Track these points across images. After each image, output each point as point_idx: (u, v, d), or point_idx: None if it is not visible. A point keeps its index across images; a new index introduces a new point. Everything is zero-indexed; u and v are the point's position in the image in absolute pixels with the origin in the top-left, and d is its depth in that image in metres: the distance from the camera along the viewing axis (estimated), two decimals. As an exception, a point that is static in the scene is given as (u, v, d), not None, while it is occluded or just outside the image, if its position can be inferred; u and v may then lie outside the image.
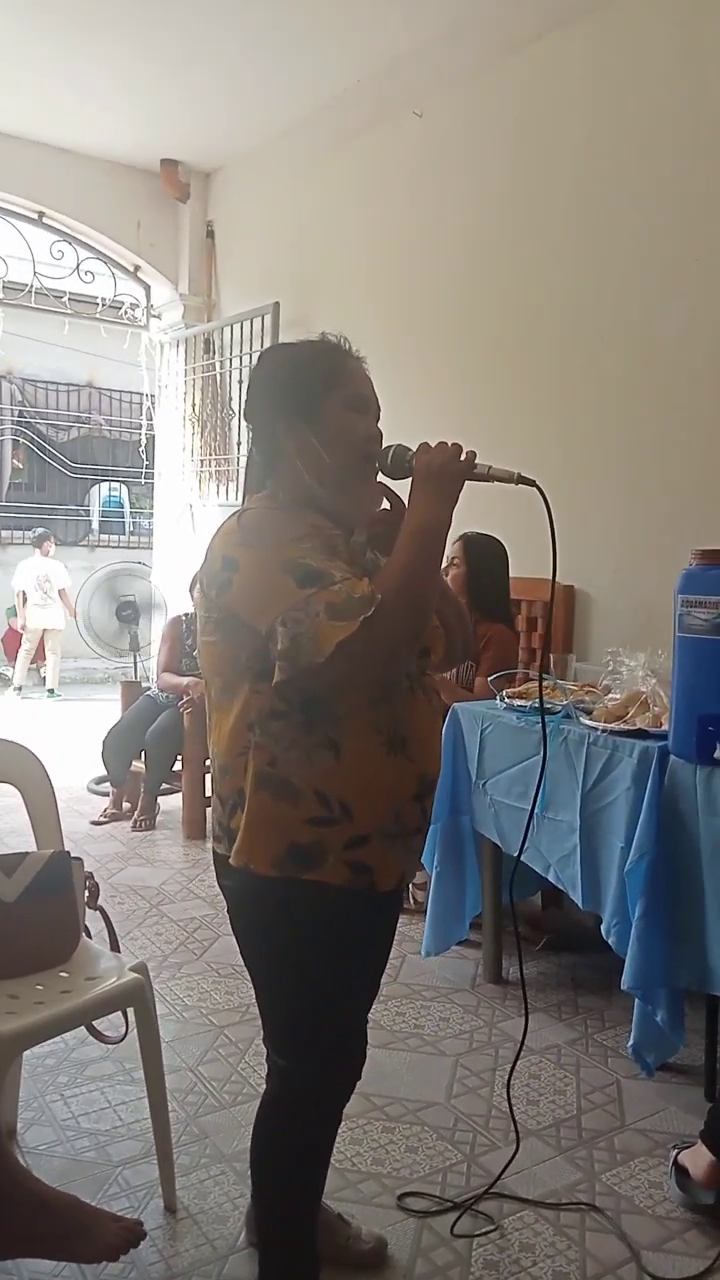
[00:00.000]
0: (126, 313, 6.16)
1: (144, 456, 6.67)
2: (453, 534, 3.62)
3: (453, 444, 1.40)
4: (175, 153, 5.50)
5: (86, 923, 2.01)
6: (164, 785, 4.51)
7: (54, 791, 2.14)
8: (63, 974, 1.89)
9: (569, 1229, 1.86)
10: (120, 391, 12.58)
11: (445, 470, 1.37)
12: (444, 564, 3.27)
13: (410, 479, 1.41)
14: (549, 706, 2.60)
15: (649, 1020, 2.25)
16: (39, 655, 9.19)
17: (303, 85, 4.46)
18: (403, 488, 1.44)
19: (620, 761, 2.33)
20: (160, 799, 4.56)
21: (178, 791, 4.53)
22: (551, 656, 3.26)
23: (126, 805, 4.60)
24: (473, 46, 3.81)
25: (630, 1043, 2.30)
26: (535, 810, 2.51)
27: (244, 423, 1.71)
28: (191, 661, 4.39)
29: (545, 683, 2.81)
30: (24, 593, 9.01)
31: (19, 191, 5.38)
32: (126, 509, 13.78)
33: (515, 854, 2.60)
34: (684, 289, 3.06)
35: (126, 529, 13.51)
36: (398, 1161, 2.04)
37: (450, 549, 3.31)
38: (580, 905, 2.44)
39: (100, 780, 4.92)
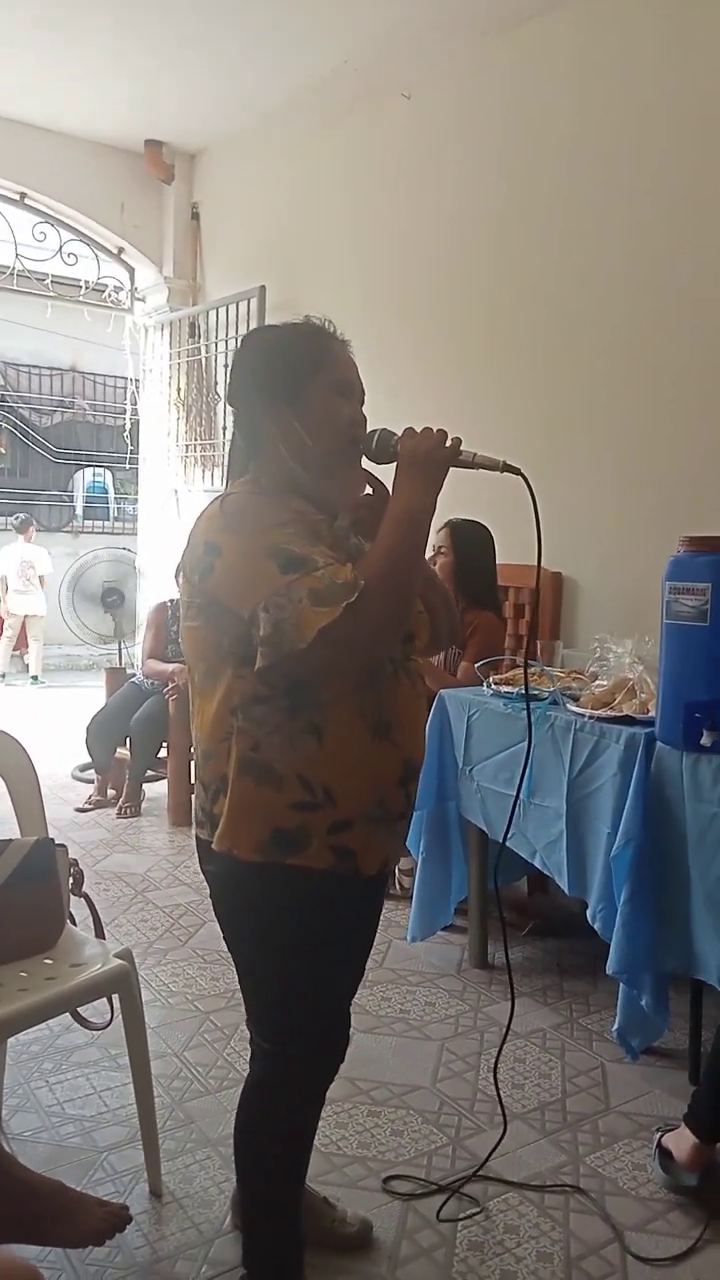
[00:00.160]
0: (110, 296, 6.10)
1: (128, 441, 6.62)
2: (438, 520, 3.61)
3: (438, 430, 1.39)
4: (159, 133, 5.43)
5: (71, 910, 2.00)
6: (149, 772, 4.50)
7: (38, 779, 2.12)
8: (47, 961, 1.88)
9: (553, 1210, 1.87)
10: (104, 376, 12.50)
11: (430, 456, 1.37)
12: (431, 552, 3.28)
13: (395, 464, 1.39)
14: (536, 693, 2.60)
15: (634, 1004, 2.26)
16: (21, 642, 9.14)
17: (289, 66, 4.41)
18: (387, 472, 1.42)
19: (607, 748, 2.33)
20: (145, 786, 4.55)
21: (163, 778, 4.52)
22: (539, 643, 3.26)
23: (111, 792, 4.58)
24: (461, 28, 3.77)
25: (615, 1027, 2.31)
26: (522, 797, 2.52)
27: (227, 406, 1.70)
28: (177, 648, 4.37)
29: (532, 669, 2.82)
30: (4, 579, 8.95)
31: (0, 172, 5.30)
32: (111, 494, 13.71)
33: (501, 840, 2.61)
34: (673, 275, 3.06)
35: (111, 515, 13.44)
36: (383, 1145, 2.05)
37: (436, 537, 3.30)
38: (566, 891, 2.45)
39: (85, 767, 4.90)
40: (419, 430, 1.39)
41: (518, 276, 3.61)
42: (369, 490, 1.50)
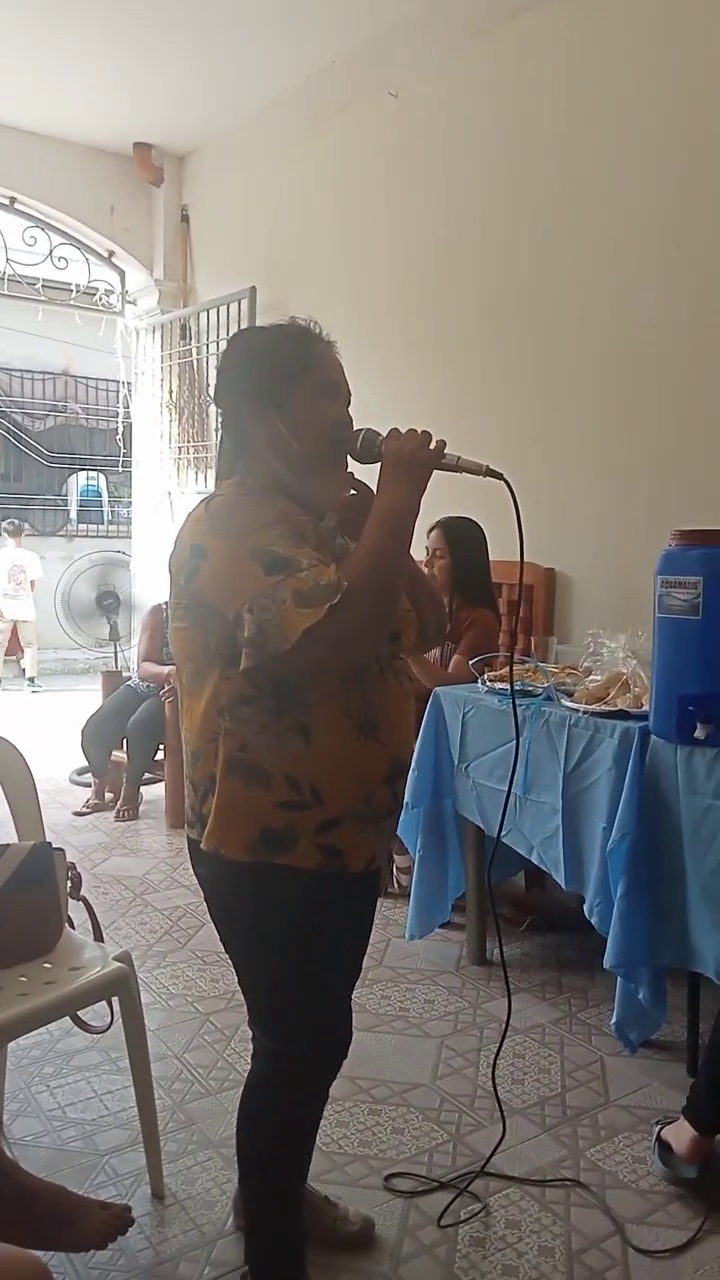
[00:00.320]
0: (101, 299, 6.10)
1: (121, 445, 6.61)
2: (430, 518, 3.63)
3: (422, 431, 1.40)
4: (148, 136, 5.43)
5: (70, 913, 2.00)
6: (146, 775, 4.50)
7: (35, 783, 2.12)
8: (46, 965, 1.88)
9: (554, 1205, 1.87)
10: (96, 379, 12.47)
11: (414, 457, 1.37)
12: (427, 555, 3.29)
13: (379, 465, 1.40)
14: (530, 689, 2.61)
15: (631, 998, 2.27)
16: (14, 647, 9.12)
17: (276, 66, 4.41)
18: (372, 473, 1.43)
19: (601, 743, 2.34)
20: (143, 788, 4.55)
21: (160, 781, 4.52)
22: (532, 639, 3.27)
23: (109, 796, 4.58)
24: (447, 26, 3.78)
25: (613, 1020, 2.32)
26: (517, 793, 2.53)
27: (214, 408, 1.71)
28: (172, 650, 4.37)
29: (527, 666, 2.83)
30: None
31: (-10, 177, 5.31)
32: (105, 498, 13.68)
33: (496, 836, 2.62)
34: (662, 270, 3.06)
35: (105, 518, 13.41)
36: (384, 1143, 2.06)
37: (431, 538, 3.31)
38: (563, 886, 2.46)
39: (82, 771, 4.90)
40: (404, 432, 1.40)
41: (507, 273, 3.62)
42: (354, 491, 1.51)
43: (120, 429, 6.54)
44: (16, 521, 9.57)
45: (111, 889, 3.52)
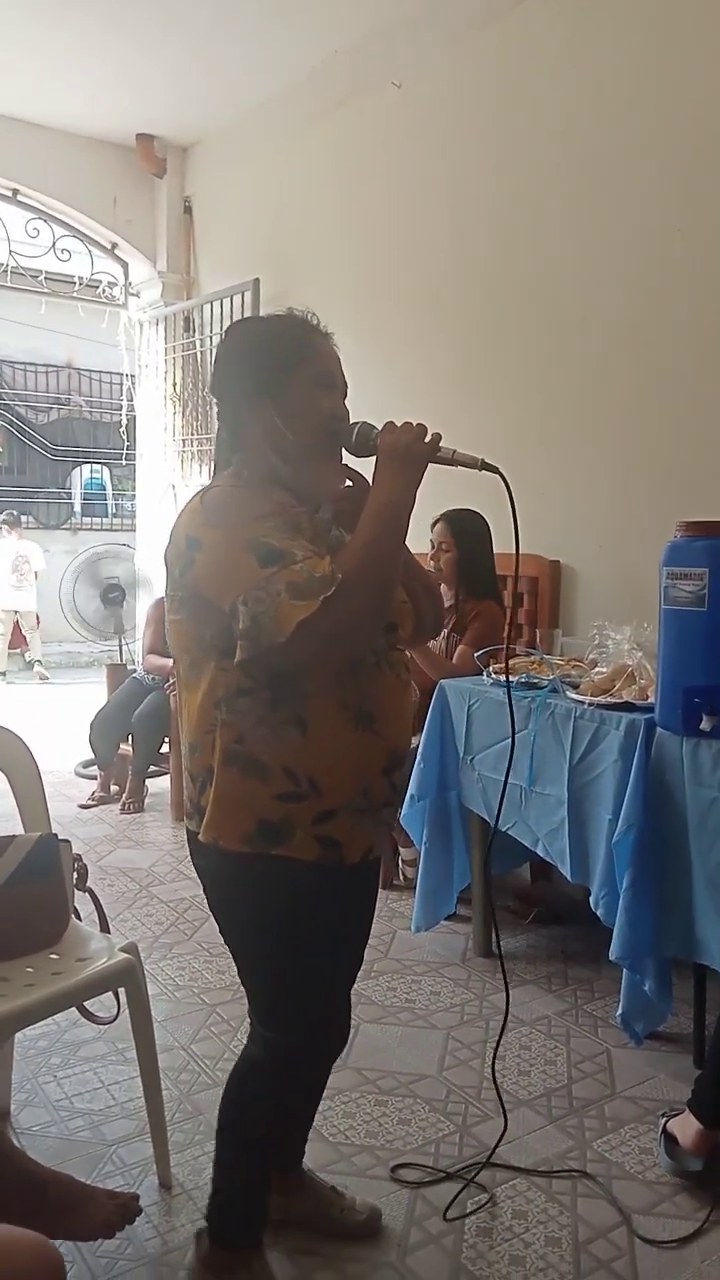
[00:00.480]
0: (104, 291, 6.09)
1: (125, 437, 6.61)
2: (433, 511, 3.61)
3: (418, 424, 1.39)
4: (151, 127, 5.41)
5: (76, 905, 2.01)
6: (151, 767, 4.51)
7: (41, 775, 2.13)
8: (53, 956, 1.89)
9: (561, 1195, 1.88)
10: (100, 372, 12.47)
11: (410, 450, 1.37)
12: (432, 548, 3.29)
13: (375, 458, 1.40)
14: (536, 681, 2.60)
15: (637, 990, 2.27)
16: (17, 640, 9.14)
17: (280, 57, 4.39)
18: (368, 466, 1.43)
19: (607, 735, 2.34)
20: (148, 781, 4.56)
21: (165, 773, 4.53)
22: (538, 631, 3.27)
23: (114, 788, 4.59)
24: (450, 16, 3.76)
25: (619, 1012, 2.32)
26: (523, 785, 2.53)
27: (211, 399, 1.71)
28: (177, 643, 4.37)
29: (532, 658, 2.82)
30: None
31: (-8, 169, 5.29)
32: (109, 491, 13.69)
33: (502, 829, 2.62)
34: (665, 261, 3.05)
35: (109, 511, 13.42)
36: (390, 1134, 2.06)
37: (436, 532, 3.30)
38: (569, 878, 2.46)
39: (88, 764, 4.91)
40: (399, 425, 1.40)
41: (511, 264, 3.60)
42: (349, 483, 1.50)
43: (124, 422, 6.54)
44: (14, 513, 9.59)
45: (117, 881, 3.53)
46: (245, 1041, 1.61)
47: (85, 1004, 1.87)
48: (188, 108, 5.08)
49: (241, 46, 4.31)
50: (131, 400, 6.36)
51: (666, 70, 3.01)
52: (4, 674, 8.97)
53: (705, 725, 2.08)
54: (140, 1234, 1.75)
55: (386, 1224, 1.79)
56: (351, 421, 1.44)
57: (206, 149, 5.51)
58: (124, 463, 7.82)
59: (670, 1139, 1.97)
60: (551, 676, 2.58)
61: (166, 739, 4.42)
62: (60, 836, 1.98)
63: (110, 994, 1.89)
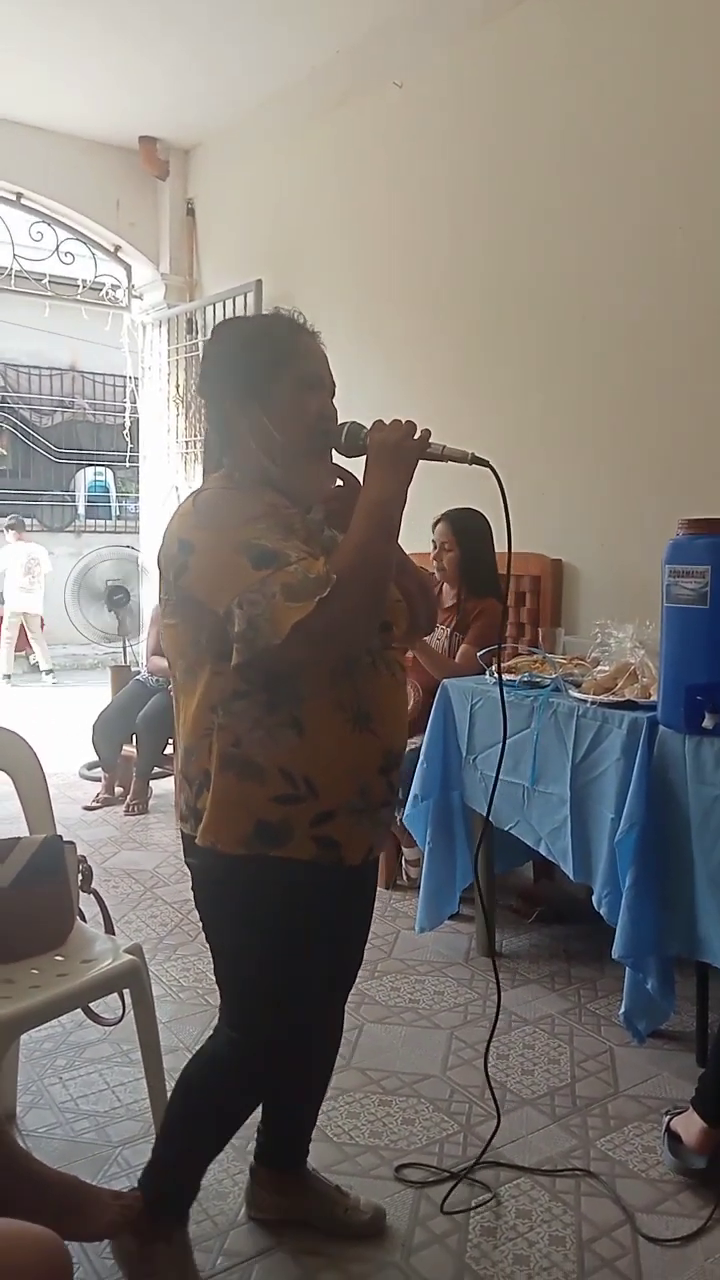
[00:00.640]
0: (108, 294, 6.10)
1: (129, 440, 6.62)
2: (434, 510, 3.61)
3: (407, 421, 1.39)
4: (153, 129, 5.42)
5: (81, 907, 2.01)
6: (155, 769, 4.52)
7: (45, 777, 2.14)
8: (58, 958, 1.90)
9: (564, 1194, 1.88)
10: (103, 375, 12.49)
11: (400, 447, 1.37)
12: (433, 548, 3.29)
13: (365, 456, 1.40)
14: (538, 680, 2.60)
15: (640, 988, 2.27)
16: (22, 642, 9.16)
17: (280, 58, 4.40)
18: (359, 465, 1.43)
19: (609, 733, 2.34)
20: (152, 783, 4.57)
21: (169, 775, 4.53)
22: (540, 630, 3.27)
23: (119, 790, 4.60)
24: (451, 15, 3.76)
25: (622, 1011, 2.32)
26: (525, 784, 2.53)
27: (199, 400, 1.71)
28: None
29: (535, 657, 2.82)
30: (2, 575, 8.97)
31: (-5, 172, 5.31)
32: (113, 493, 13.71)
33: (504, 828, 2.62)
34: (665, 260, 3.04)
35: (113, 513, 13.45)
36: (395, 1134, 2.06)
37: (438, 532, 3.30)
38: (572, 877, 2.46)
39: (92, 766, 4.92)
40: (388, 422, 1.40)
41: (511, 263, 3.60)
42: (340, 482, 1.50)
43: (127, 424, 6.55)
44: (20, 517, 9.61)
45: (122, 883, 3.54)
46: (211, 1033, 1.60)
47: (90, 1005, 1.88)
48: (189, 109, 5.08)
49: (242, 46, 4.32)
50: (135, 403, 6.37)
51: (666, 70, 3.01)
52: (9, 676, 8.99)
53: (708, 723, 2.08)
54: (145, 1234, 1.75)
55: (391, 1224, 1.79)
56: (340, 421, 1.44)
57: (208, 150, 5.52)
58: (127, 465, 7.85)
59: (674, 1137, 1.97)
60: (554, 675, 2.59)
61: (170, 740, 4.43)
62: (65, 838, 1.99)
63: (115, 995, 1.90)
